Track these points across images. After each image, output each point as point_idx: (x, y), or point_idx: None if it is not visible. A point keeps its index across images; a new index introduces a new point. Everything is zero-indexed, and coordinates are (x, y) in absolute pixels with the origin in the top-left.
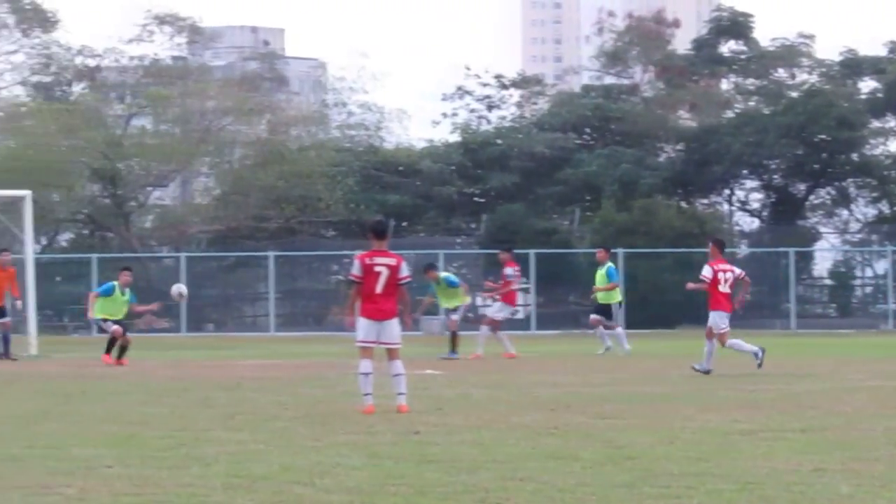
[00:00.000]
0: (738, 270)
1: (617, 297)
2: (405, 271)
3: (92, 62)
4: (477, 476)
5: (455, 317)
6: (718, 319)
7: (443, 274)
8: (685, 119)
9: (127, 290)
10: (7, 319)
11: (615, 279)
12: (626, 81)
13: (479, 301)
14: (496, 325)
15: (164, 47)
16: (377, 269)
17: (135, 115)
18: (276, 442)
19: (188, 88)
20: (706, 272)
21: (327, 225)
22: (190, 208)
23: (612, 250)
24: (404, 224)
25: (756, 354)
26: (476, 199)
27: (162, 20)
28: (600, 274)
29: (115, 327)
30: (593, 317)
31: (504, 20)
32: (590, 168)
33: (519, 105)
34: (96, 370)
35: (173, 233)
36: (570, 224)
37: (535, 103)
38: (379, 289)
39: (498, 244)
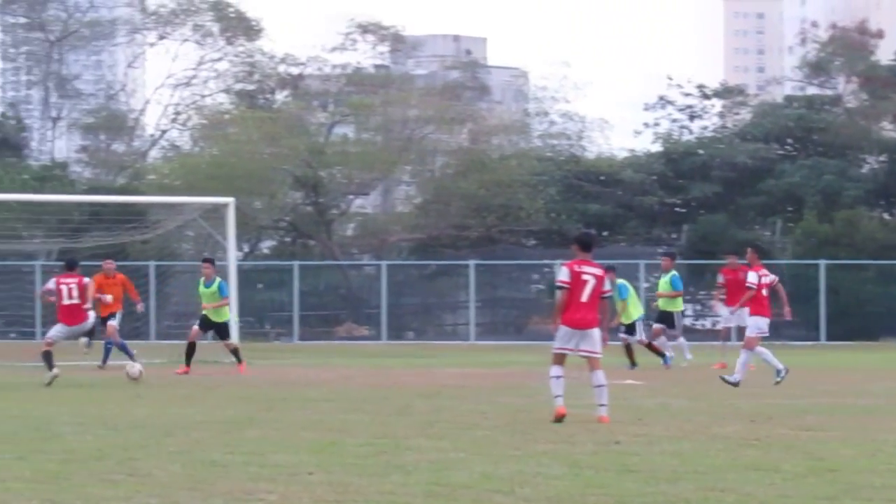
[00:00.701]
0: (772, 276)
1: (679, 305)
2: (608, 285)
3: (295, 70)
4: (677, 487)
5: (636, 337)
6: (760, 323)
7: (619, 281)
8: (888, 130)
9: (215, 282)
10: (113, 322)
11: (679, 288)
12: (829, 92)
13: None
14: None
15: (366, 56)
16: (585, 277)
17: (337, 124)
18: (477, 450)
19: (390, 97)
20: (752, 278)
21: (528, 234)
22: (391, 216)
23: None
24: (605, 233)
25: (778, 372)
26: (677, 209)
27: (365, 29)
28: (663, 281)
29: (193, 328)
30: (656, 326)
31: (707, 30)
32: (792, 179)
33: (721, 115)
34: (297, 377)
35: (374, 241)
36: (771, 235)
37: (737, 113)
38: (584, 298)
39: (699, 254)
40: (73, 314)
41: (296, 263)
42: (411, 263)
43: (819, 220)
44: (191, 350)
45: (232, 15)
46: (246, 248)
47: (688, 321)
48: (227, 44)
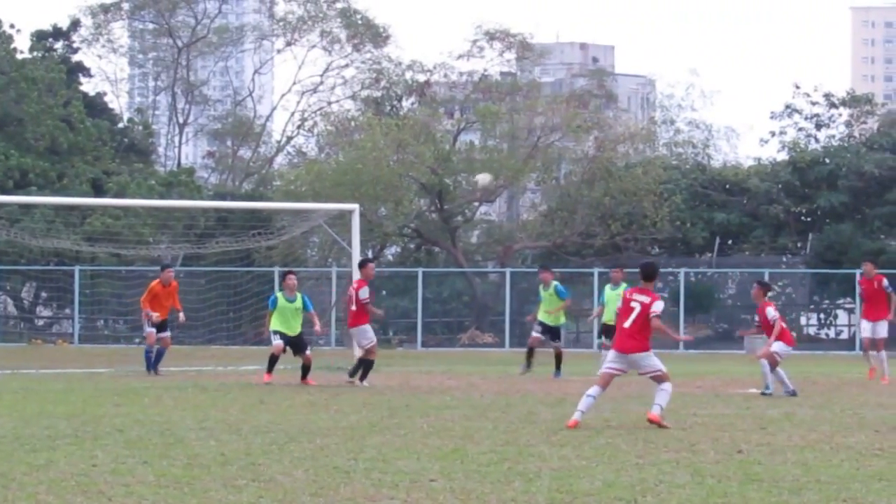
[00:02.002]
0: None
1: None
2: (657, 306)
3: (422, 77)
4: (800, 497)
5: (535, 334)
6: (783, 348)
7: (555, 282)
8: None
9: (297, 297)
10: (167, 335)
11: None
12: None
13: (803, 321)
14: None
15: (493, 63)
16: (632, 304)
17: (463, 131)
18: (600, 458)
19: (517, 104)
20: (773, 314)
21: (653, 242)
22: (516, 224)
23: None
24: (729, 242)
25: (766, 388)
26: (803, 218)
27: (492, 36)
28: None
29: (278, 343)
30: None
31: (834, 39)
32: None
33: (848, 124)
34: (420, 384)
35: (499, 248)
36: None
37: (864, 123)
38: (627, 324)
39: (825, 264)
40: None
41: (420, 270)
42: (536, 271)
43: None
44: (274, 361)
45: (359, 22)
46: (370, 255)
47: (812, 330)
48: (354, 50)
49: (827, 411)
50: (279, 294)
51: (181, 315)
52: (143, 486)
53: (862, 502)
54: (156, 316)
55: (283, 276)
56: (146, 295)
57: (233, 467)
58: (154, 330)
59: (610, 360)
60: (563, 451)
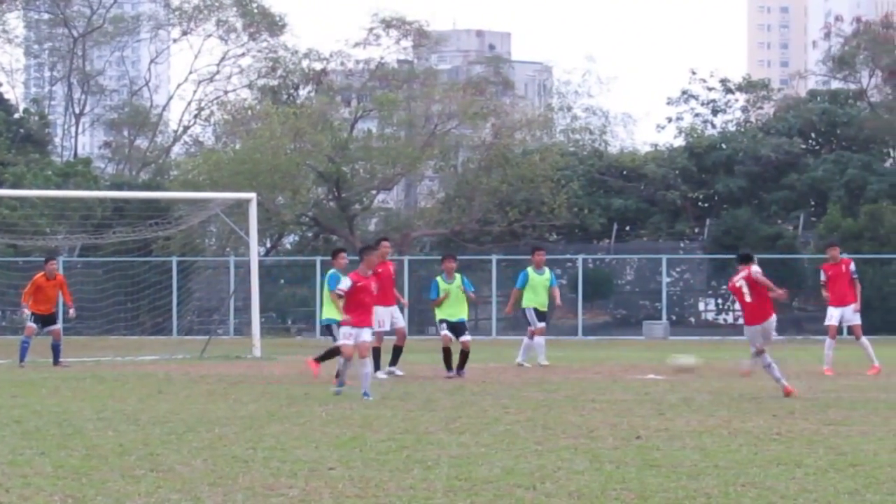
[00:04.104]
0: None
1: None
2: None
3: (318, 66)
4: (699, 482)
5: (445, 332)
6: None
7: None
8: None
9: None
10: (57, 327)
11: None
12: (853, 86)
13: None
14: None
15: (390, 51)
16: (738, 283)
17: (361, 119)
18: (499, 445)
19: (414, 92)
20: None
21: (551, 229)
22: (414, 212)
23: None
24: (627, 228)
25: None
26: (700, 203)
27: (388, 24)
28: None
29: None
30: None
31: (730, 24)
32: (816, 173)
33: (744, 109)
34: (319, 373)
35: (397, 236)
36: (794, 229)
37: (760, 108)
38: (748, 298)
39: (723, 249)
40: None
41: (318, 259)
42: (434, 258)
43: (843, 215)
44: (332, 356)
45: (255, 10)
46: (268, 244)
47: (710, 316)
48: (250, 39)
49: (725, 396)
50: (336, 272)
51: (71, 311)
52: (41, 477)
53: (760, 487)
54: (28, 315)
55: (335, 253)
56: (29, 288)
57: (131, 457)
58: (35, 324)
59: (753, 339)
60: (462, 438)
